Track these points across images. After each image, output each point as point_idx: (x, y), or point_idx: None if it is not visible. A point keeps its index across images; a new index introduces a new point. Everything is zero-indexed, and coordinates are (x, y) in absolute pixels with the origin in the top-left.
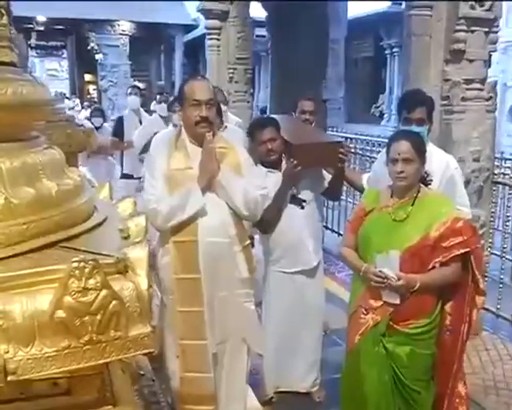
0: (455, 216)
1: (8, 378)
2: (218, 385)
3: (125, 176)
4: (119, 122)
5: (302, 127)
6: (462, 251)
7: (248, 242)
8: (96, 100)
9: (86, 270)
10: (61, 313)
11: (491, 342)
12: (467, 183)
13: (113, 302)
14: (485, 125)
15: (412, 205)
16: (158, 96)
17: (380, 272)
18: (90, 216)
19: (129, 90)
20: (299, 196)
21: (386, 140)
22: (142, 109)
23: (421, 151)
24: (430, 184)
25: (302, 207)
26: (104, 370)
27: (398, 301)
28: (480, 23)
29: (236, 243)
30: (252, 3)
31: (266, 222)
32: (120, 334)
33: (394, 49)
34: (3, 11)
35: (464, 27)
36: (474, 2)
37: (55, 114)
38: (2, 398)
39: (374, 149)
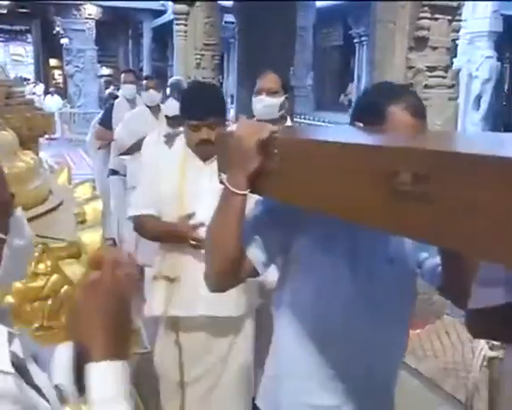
0: None
1: None
2: None
3: (113, 172)
4: (109, 111)
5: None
6: None
7: None
8: (61, 85)
9: (35, 254)
10: (10, 299)
11: (453, 325)
12: None
13: (65, 287)
14: (448, 113)
15: None
16: (145, 82)
17: None
18: (45, 200)
19: (122, 77)
20: None
21: None
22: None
23: None
24: None
25: None
26: None
27: None
28: (444, 11)
29: None
30: None
31: None
32: None
33: (363, 38)
34: None
35: (428, 15)
36: None
37: (14, 97)
38: None
39: None
